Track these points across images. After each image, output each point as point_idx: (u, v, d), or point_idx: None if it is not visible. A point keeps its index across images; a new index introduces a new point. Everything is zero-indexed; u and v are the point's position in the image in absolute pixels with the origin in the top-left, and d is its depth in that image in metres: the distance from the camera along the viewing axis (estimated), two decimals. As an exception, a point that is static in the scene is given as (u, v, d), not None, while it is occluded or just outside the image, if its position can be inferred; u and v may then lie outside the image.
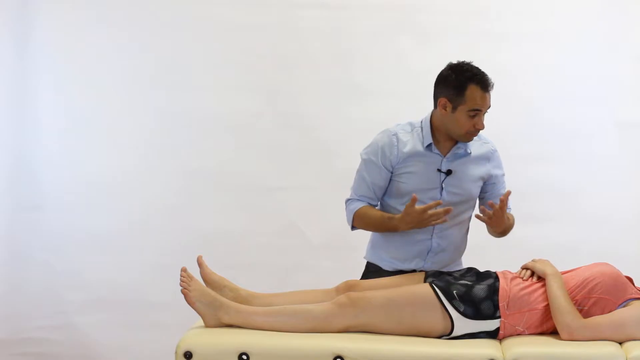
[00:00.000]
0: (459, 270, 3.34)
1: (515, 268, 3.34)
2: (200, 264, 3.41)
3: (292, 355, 2.99)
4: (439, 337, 3.15)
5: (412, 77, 5.02)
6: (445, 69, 3.52)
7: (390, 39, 5.02)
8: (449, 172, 3.53)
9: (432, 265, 3.57)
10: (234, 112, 5.04)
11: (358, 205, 3.60)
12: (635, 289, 3.19)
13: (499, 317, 3.15)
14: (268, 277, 4.96)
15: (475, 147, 3.59)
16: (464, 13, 5.02)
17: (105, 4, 5.04)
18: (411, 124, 3.61)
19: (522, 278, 3.24)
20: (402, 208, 3.49)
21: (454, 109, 3.46)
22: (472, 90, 3.45)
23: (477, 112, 3.46)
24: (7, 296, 5.02)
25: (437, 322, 3.14)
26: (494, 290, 3.17)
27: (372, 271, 3.65)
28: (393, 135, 3.57)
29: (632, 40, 4.96)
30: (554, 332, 3.15)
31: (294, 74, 5.01)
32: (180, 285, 3.20)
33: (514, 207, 5.01)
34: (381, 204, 3.64)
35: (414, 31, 5.03)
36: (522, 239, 4.91)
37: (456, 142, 3.55)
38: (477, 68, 3.49)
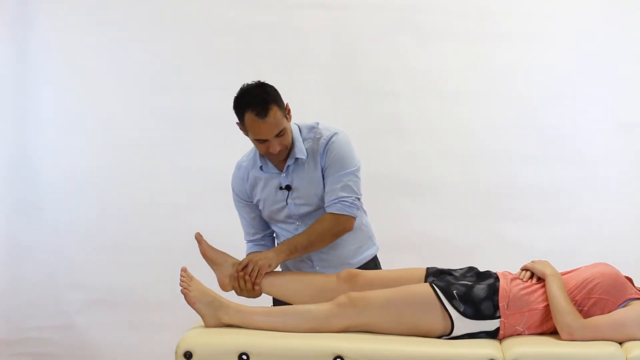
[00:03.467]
0: (460, 270, 3.34)
1: (515, 268, 3.34)
2: (199, 240, 3.42)
3: (292, 355, 2.99)
4: (439, 337, 3.15)
5: (412, 77, 5.03)
6: (237, 92, 3.40)
7: (390, 39, 5.02)
8: (288, 188, 3.44)
9: (324, 269, 3.51)
10: (234, 112, 5.03)
11: (247, 250, 3.63)
12: (635, 289, 3.19)
13: (499, 317, 3.15)
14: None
15: (309, 148, 3.44)
16: (464, 13, 5.02)
17: (105, 4, 5.04)
18: (253, 148, 3.52)
19: (522, 279, 3.24)
20: (277, 230, 3.54)
21: (247, 135, 3.38)
22: (249, 119, 3.31)
23: (264, 141, 3.33)
24: (7, 296, 5.03)
25: (437, 322, 3.14)
26: (494, 290, 3.17)
27: None
28: (239, 168, 3.56)
29: (632, 40, 4.96)
30: (554, 332, 3.15)
31: (294, 74, 5.01)
32: (180, 286, 3.21)
33: (513, 207, 5.03)
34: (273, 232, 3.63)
35: (414, 31, 5.03)
36: (522, 239, 4.92)
37: (288, 154, 3.42)
38: (256, 90, 3.35)
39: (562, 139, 4.99)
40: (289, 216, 3.49)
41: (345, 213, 3.39)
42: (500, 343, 3.11)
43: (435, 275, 3.30)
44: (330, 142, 3.41)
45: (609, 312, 3.13)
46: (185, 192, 5.04)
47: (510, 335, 3.15)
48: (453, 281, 3.21)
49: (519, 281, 3.22)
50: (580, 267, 3.29)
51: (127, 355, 5.02)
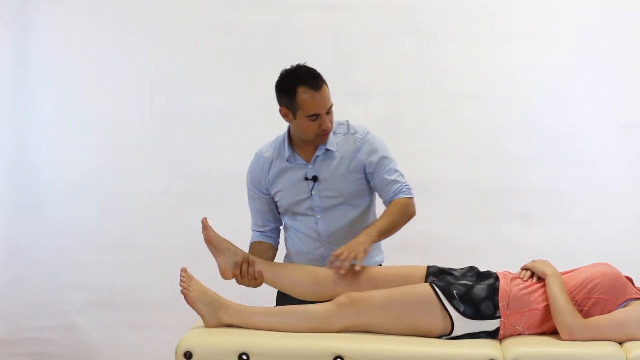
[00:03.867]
0: (460, 270, 3.34)
1: (515, 268, 3.34)
2: (205, 225, 3.41)
3: (292, 355, 2.99)
4: (439, 337, 3.15)
5: (412, 77, 5.03)
6: (279, 76, 3.43)
7: (390, 39, 5.02)
8: (314, 179, 3.47)
9: None
10: (234, 112, 5.04)
11: (252, 238, 3.67)
12: (635, 289, 3.19)
13: (499, 317, 3.15)
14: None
15: (340, 143, 3.48)
16: (464, 13, 5.02)
17: (105, 4, 5.04)
18: (277, 139, 3.56)
19: (522, 278, 3.24)
20: (290, 223, 3.55)
21: (294, 116, 3.39)
22: (302, 93, 3.34)
23: (317, 116, 3.36)
24: (7, 296, 5.03)
25: (437, 322, 3.14)
26: (494, 290, 3.17)
27: None
28: (259, 158, 3.56)
29: (632, 40, 4.96)
30: (554, 332, 3.14)
31: (294, 74, 5.00)
32: (180, 286, 3.20)
33: (513, 207, 5.03)
34: (282, 223, 3.64)
35: (414, 31, 5.03)
36: (521, 239, 4.92)
37: (318, 145, 3.47)
38: (305, 68, 3.39)
39: (562, 139, 4.99)
40: (311, 208, 3.50)
41: (411, 195, 3.49)
42: (500, 343, 3.11)
43: (436, 275, 3.30)
44: (367, 140, 3.49)
45: (609, 312, 3.13)
46: (185, 192, 5.04)
47: (510, 335, 3.15)
48: (453, 281, 3.21)
49: (519, 281, 3.22)
50: (580, 267, 3.29)
51: (127, 355, 5.02)
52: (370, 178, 3.50)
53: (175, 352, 3.01)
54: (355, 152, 3.48)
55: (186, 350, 3.00)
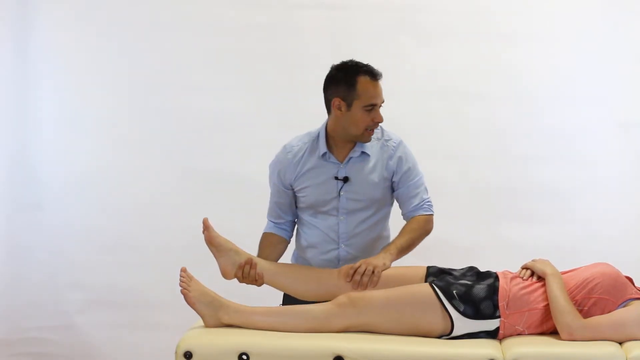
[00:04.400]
0: (460, 270, 3.34)
1: (515, 268, 3.34)
2: (206, 226, 3.42)
3: (292, 355, 2.99)
4: (439, 337, 3.15)
5: (412, 77, 5.03)
6: (331, 70, 3.48)
7: (390, 39, 5.02)
8: (345, 179, 3.48)
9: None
10: (234, 112, 5.04)
11: (266, 228, 3.69)
12: (635, 289, 3.19)
13: (499, 316, 3.15)
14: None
15: (374, 148, 3.51)
16: (464, 13, 5.02)
17: (105, 4, 5.04)
18: (309, 134, 3.58)
19: (522, 278, 3.24)
20: (309, 219, 3.55)
21: (349, 106, 3.42)
22: (363, 82, 3.40)
23: (373, 106, 3.41)
24: (7, 296, 5.03)
25: (437, 322, 3.14)
26: (493, 290, 3.17)
27: None
28: (289, 152, 3.56)
29: (632, 40, 4.96)
30: (554, 332, 3.14)
31: (294, 74, 5.01)
32: (180, 286, 3.21)
33: (513, 207, 5.03)
34: (298, 217, 3.64)
35: (414, 31, 5.03)
36: (522, 239, 4.92)
37: (354, 146, 3.49)
38: (361, 62, 3.45)
39: (562, 139, 4.99)
40: (336, 209, 3.50)
41: (432, 212, 3.54)
42: (500, 343, 3.11)
43: (436, 275, 3.30)
44: (400, 149, 3.53)
45: (609, 312, 3.13)
46: (185, 192, 5.04)
47: (510, 335, 3.15)
48: (453, 281, 3.21)
49: (519, 280, 3.22)
50: (580, 267, 3.29)
51: (127, 355, 5.02)
52: (395, 187, 3.53)
53: (175, 352, 3.01)
54: (387, 160, 3.51)
55: (186, 350, 3.00)
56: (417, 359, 2.99)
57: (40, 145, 5.06)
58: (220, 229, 5.01)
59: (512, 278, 3.23)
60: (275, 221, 3.64)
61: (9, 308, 5.03)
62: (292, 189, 3.57)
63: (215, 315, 3.18)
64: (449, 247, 4.90)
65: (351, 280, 3.29)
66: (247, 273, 3.38)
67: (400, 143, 3.54)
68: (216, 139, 5.04)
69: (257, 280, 3.39)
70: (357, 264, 3.31)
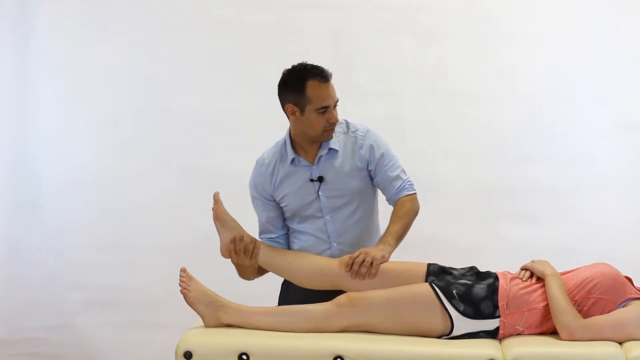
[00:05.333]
0: (460, 269, 3.34)
1: (515, 268, 3.34)
2: (216, 200, 3.41)
3: (292, 355, 2.99)
4: (439, 336, 3.15)
5: (412, 77, 5.03)
6: (282, 76, 3.46)
7: (390, 39, 5.02)
8: (320, 179, 3.48)
9: None
10: (234, 112, 5.04)
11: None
12: (635, 289, 3.20)
13: (499, 316, 3.15)
14: (268, 276, 4.95)
15: (342, 142, 3.50)
16: (464, 13, 5.02)
17: (104, 4, 5.04)
18: (277, 144, 3.57)
19: (521, 279, 3.24)
20: (297, 227, 3.53)
21: (302, 111, 3.40)
22: (312, 86, 3.38)
23: (326, 108, 3.39)
24: (7, 296, 5.03)
25: (437, 322, 3.14)
26: (493, 289, 3.17)
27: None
28: (261, 165, 3.56)
29: (632, 40, 4.96)
30: (554, 332, 3.15)
31: (294, 74, 5.00)
32: (180, 286, 3.21)
33: (513, 207, 5.03)
34: (288, 230, 3.63)
35: (414, 31, 5.03)
36: (522, 240, 4.92)
37: (320, 145, 3.49)
38: (311, 64, 3.42)
39: (562, 139, 4.99)
40: (320, 210, 3.50)
41: (414, 191, 3.52)
42: (500, 343, 3.11)
43: (436, 274, 3.29)
44: (368, 136, 3.50)
45: (609, 312, 3.13)
46: (185, 192, 5.04)
47: (510, 335, 3.15)
48: (452, 281, 3.21)
49: (518, 281, 3.23)
50: (580, 267, 3.29)
51: (127, 355, 5.02)
52: (373, 175, 3.52)
53: (175, 352, 3.01)
54: (357, 150, 3.49)
55: (186, 350, 3.00)
56: (417, 359, 2.99)
57: (40, 145, 5.06)
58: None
59: (512, 278, 3.23)
60: (270, 237, 3.62)
61: (9, 308, 5.03)
62: (275, 201, 3.57)
63: (215, 315, 3.18)
64: (449, 246, 4.90)
65: (350, 269, 3.29)
66: (242, 246, 3.37)
67: (367, 131, 3.52)
68: (216, 139, 5.04)
69: (251, 256, 3.38)
70: (356, 254, 3.31)
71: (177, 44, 5.06)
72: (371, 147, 3.49)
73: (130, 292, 5.02)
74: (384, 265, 3.31)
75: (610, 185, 4.97)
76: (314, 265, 3.38)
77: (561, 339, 3.08)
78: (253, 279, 3.59)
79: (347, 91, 5.00)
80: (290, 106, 3.42)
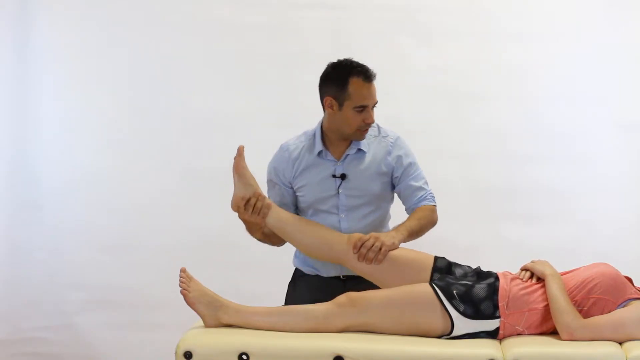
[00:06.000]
0: (462, 269, 3.33)
1: (515, 269, 3.34)
2: (239, 152, 3.41)
3: (292, 355, 2.99)
4: (439, 337, 3.15)
5: (413, 77, 5.03)
6: (326, 68, 3.48)
7: (390, 39, 5.02)
8: (343, 177, 3.48)
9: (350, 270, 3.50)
10: (234, 112, 5.04)
11: None
12: (635, 289, 3.20)
13: (499, 316, 3.15)
14: (268, 277, 4.95)
15: (371, 145, 3.51)
16: (465, 13, 5.02)
17: (104, 4, 5.04)
18: (305, 133, 3.58)
19: (521, 279, 3.24)
20: (311, 219, 3.51)
21: (340, 106, 3.42)
22: (355, 83, 3.40)
23: (364, 107, 3.42)
24: (7, 296, 5.03)
25: (437, 322, 3.14)
26: (493, 289, 3.17)
27: (299, 276, 3.64)
28: (285, 150, 3.57)
29: (632, 40, 4.96)
30: (554, 332, 3.14)
31: (294, 74, 5.01)
32: (180, 286, 3.20)
33: (513, 207, 5.03)
34: None
35: (414, 31, 5.03)
36: (522, 240, 4.92)
37: (350, 143, 3.50)
38: (357, 62, 3.44)
39: (562, 139, 4.99)
40: (336, 206, 3.49)
41: (435, 203, 3.56)
42: (500, 343, 3.11)
43: (441, 271, 3.28)
44: (398, 144, 3.53)
45: (609, 312, 3.13)
46: (185, 192, 5.04)
47: (510, 335, 3.15)
48: (453, 281, 3.21)
49: (518, 281, 3.23)
50: (580, 267, 3.29)
51: (127, 355, 5.02)
52: (396, 182, 3.53)
53: (175, 352, 3.01)
54: (385, 155, 3.51)
55: (186, 350, 3.00)
56: (417, 359, 2.99)
57: (40, 145, 5.06)
58: (220, 229, 5.05)
59: (512, 279, 3.23)
60: None
61: (9, 308, 5.03)
62: (292, 188, 3.56)
63: (215, 315, 3.18)
64: (449, 246, 4.88)
65: (358, 251, 3.29)
66: (252, 204, 3.36)
67: (397, 139, 3.54)
68: (216, 139, 5.04)
69: (259, 214, 3.36)
70: (367, 237, 3.31)
71: (177, 44, 5.05)
72: (399, 155, 3.51)
73: (130, 292, 5.02)
74: (392, 252, 3.31)
75: (610, 186, 4.97)
76: (323, 236, 3.38)
77: (561, 339, 3.08)
78: (259, 239, 3.54)
79: (347, 91, 5.03)
80: (329, 99, 3.43)
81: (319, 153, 3.50)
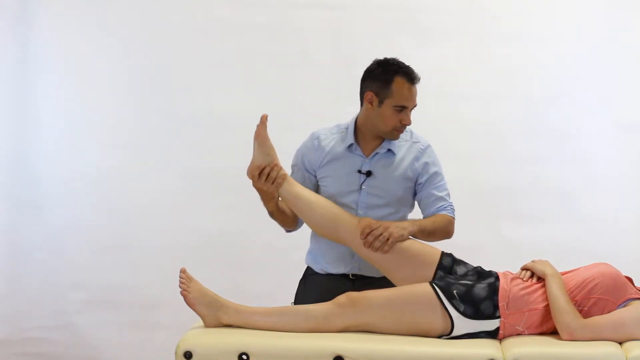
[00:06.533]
0: (464, 267, 3.32)
1: (515, 268, 3.34)
2: (262, 121, 3.39)
3: (292, 355, 2.99)
4: (439, 336, 3.15)
5: (412, 77, 5.02)
6: (372, 64, 3.50)
7: (390, 39, 5.02)
8: (368, 174, 3.49)
9: (362, 268, 3.51)
10: (234, 112, 5.04)
11: None
12: (635, 289, 3.20)
13: (499, 316, 3.15)
14: (268, 277, 4.96)
15: (402, 148, 3.53)
16: (464, 13, 5.02)
17: (105, 4, 5.05)
18: (338, 126, 3.60)
19: (522, 279, 3.24)
20: None
21: (380, 103, 3.43)
22: (399, 82, 3.41)
23: (404, 108, 3.43)
24: (7, 296, 5.03)
25: (437, 322, 3.14)
26: (494, 289, 3.17)
27: (310, 274, 3.64)
28: (315, 138, 3.58)
29: (632, 40, 4.96)
30: (554, 333, 3.15)
31: (294, 74, 5.01)
32: (180, 287, 3.20)
33: (513, 207, 5.03)
34: None
35: (414, 31, 5.03)
36: (522, 239, 4.92)
37: (381, 142, 3.51)
38: (403, 63, 3.46)
39: (562, 139, 4.99)
40: (356, 202, 3.49)
41: (454, 217, 3.53)
42: (500, 343, 3.11)
43: (445, 270, 3.28)
44: (428, 152, 3.54)
45: (609, 312, 3.13)
46: (185, 192, 5.04)
47: (510, 335, 3.15)
48: (453, 281, 3.21)
49: (519, 281, 3.23)
50: (580, 267, 3.29)
51: (127, 355, 5.02)
52: (418, 189, 3.53)
53: (175, 352, 3.01)
54: (413, 161, 3.52)
55: (186, 350, 3.00)
56: (417, 359, 2.99)
57: (40, 145, 5.06)
58: (220, 229, 5.05)
59: (513, 279, 3.23)
60: None
61: (9, 308, 5.03)
62: (316, 177, 3.57)
63: (215, 315, 3.18)
64: (449, 246, 4.86)
65: (365, 238, 3.29)
66: (267, 172, 3.35)
67: (428, 147, 3.56)
68: (216, 139, 5.04)
69: (274, 184, 3.36)
70: (377, 224, 3.31)
71: (177, 44, 5.05)
72: (427, 162, 3.53)
73: (130, 292, 5.02)
74: (400, 243, 3.31)
75: (611, 185, 4.97)
76: (334, 215, 3.38)
77: (561, 339, 3.08)
78: (270, 213, 3.52)
79: (347, 91, 4.99)
80: (370, 94, 3.45)
81: (349, 146, 3.51)
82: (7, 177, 5.04)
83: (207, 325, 3.19)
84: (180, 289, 3.20)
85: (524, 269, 3.30)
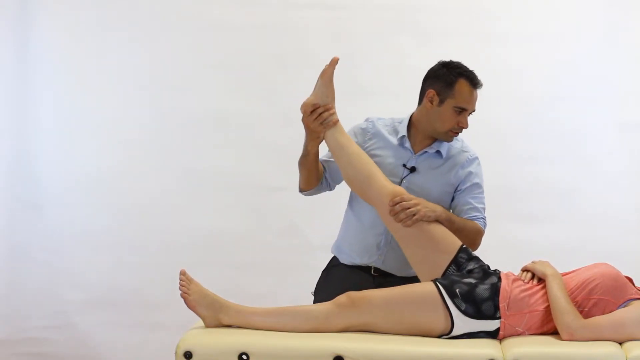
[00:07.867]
0: (471, 263, 3.31)
1: (516, 268, 3.34)
2: (332, 63, 3.39)
3: (292, 355, 2.99)
4: (439, 336, 3.15)
5: (413, 76, 5.00)
6: (436, 64, 3.53)
7: (390, 39, 5.02)
8: (412, 169, 3.51)
9: (385, 262, 3.51)
10: (234, 112, 5.04)
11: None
12: (636, 289, 3.20)
13: (499, 317, 3.15)
14: (268, 277, 4.96)
15: (451, 152, 3.55)
16: (464, 13, 5.03)
17: (104, 4, 5.05)
18: (392, 119, 3.64)
19: (523, 280, 3.24)
20: (358, 205, 3.53)
21: (441, 102, 3.46)
22: (462, 85, 3.45)
23: (463, 111, 3.46)
24: (7, 296, 5.03)
25: (438, 320, 3.14)
26: (495, 290, 3.17)
27: (333, 265, 3.65)
28: (370, 122, 3.62)
29: (632, 40, 4.96)
30: (554, 333, 3.14)
31: (294, 74, 5.01)
32: (180, 289, 3.20)
33: (513, 207, 5.02)
34: (350, 199, 3.63)
35: (414, 31, 5.03)
36: (522, 239, 4.92)
37: (432, 143, 3.53)
38: (467, 67, 3.50)
39: (562, 139, 4.99)
40: None
41: (484, 231, 3.53)
42: (500, 343, 3.11)
43: (458, 265, 3.27)
44: (474, 163, 3.56)
45: (610, 312, 3.13)
46: (185, 192, 5.04)
47: (511, 336, 3.15)
48: (457, 279, 3.21)
49: (520, 282, 3.22)
50: (581, 268, 3.29)
51: (127, 355, 5.02)
52: (456, 195, 3.54)
53: (175, 352, 3.01)
54: (458, 168, 3.54)
55: (186, 350, 3.00)
56: (417, 359, 2.99)
57: (40, 145, 5.06)
58: (220, 229, 5.05)
59: (514, 280, 3.23)
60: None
61: (9, 308, 5.04)
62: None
63: (216, 316, 3.18)
64: (449, 247, 4.90)
65: (393, 206, 3.29)
66: (319, 112, 3.37)
67: (475, 159, 3.58)
68: (216, 139, 5.04)
69: (322, 125, 3.37)
70: (409, 197, 3.30)
71: (177, 44, 5.06)
72: (471, 172, 3.54)
73: (130, 292, 5.03)
74: (425, 222, 3.30)
75: (611, 185, 4.97)
76: (369, 172, 3.37)
77: (561, 339, 3.08)
78: (306, 154, 3.48)
79: (347, 91, 5.00)
80: (432, 92, 3.47)
81: (401, 138, 3.53)
82: (7, 177, 5.04)
83: (208, 325, 3.19)
84: (180, 291, 3.20)
85: (525, 270, 3.29)
